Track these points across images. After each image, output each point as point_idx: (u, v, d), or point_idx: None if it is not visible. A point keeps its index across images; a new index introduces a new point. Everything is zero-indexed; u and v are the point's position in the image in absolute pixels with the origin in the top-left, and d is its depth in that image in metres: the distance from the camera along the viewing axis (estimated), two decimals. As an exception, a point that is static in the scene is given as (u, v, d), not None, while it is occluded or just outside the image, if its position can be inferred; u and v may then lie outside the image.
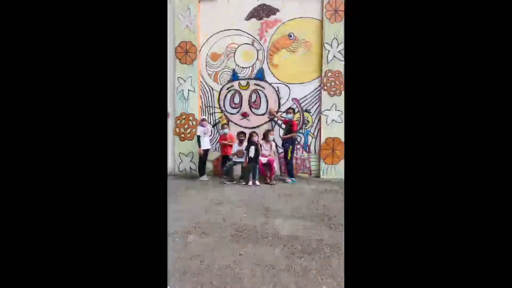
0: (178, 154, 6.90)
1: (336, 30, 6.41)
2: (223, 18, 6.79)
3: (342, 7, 6.49)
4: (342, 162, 6.59)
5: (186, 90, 6.83)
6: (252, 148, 5.92)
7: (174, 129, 6.88)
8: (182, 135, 6.88)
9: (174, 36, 6.77)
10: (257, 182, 5.90)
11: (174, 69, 6.81)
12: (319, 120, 6.63)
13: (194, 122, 6.80)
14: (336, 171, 6.53)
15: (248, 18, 6.75)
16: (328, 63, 6.47)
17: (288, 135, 6.23)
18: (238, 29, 6.77)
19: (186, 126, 6.88)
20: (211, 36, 6.85)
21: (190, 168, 6.87)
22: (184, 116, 6.86)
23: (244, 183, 5.98)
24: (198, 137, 6.29)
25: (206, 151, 6.48)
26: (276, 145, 6.61)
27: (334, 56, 6.45)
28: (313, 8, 6.56)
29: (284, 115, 6.41)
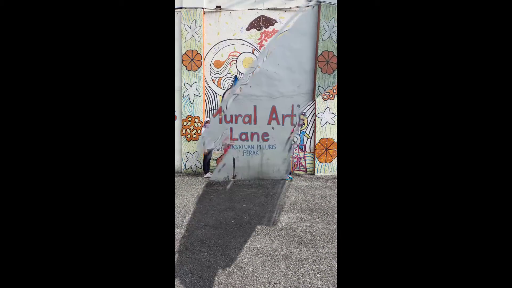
0: (184, 153, 6.89)
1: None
2: (225, 28, 6.79)
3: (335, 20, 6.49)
4: (335, 160, 6.59)
5: (192, 95, 6.83)
6: (253, 148, 5.92)
7: (181, 130, 6.88)
8: (188, 136, 6.88)
9: (181, 45, 6.77)
10: (257, 179, 5.90)
11: (181, 76, 6.81)
12: (314, 122, 6.64)
13: (199, 124, 6.80)
14: (329, 168, 6.54)
15: (249, 28, 6.75)
16: (322, 69, 6.48)
17: (286, 136, 6.24)
18: (239, 39, 6.78)
19: (192, 128, 6.87)
20: (214, 45, 6.86)
21: (196, 166, 6.88)
22: (190, 118, 6.86)
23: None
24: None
25: (210, 151, 6.48)
26: (275, 145, 6.62)
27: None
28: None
29: (281, 117, 6.43)
